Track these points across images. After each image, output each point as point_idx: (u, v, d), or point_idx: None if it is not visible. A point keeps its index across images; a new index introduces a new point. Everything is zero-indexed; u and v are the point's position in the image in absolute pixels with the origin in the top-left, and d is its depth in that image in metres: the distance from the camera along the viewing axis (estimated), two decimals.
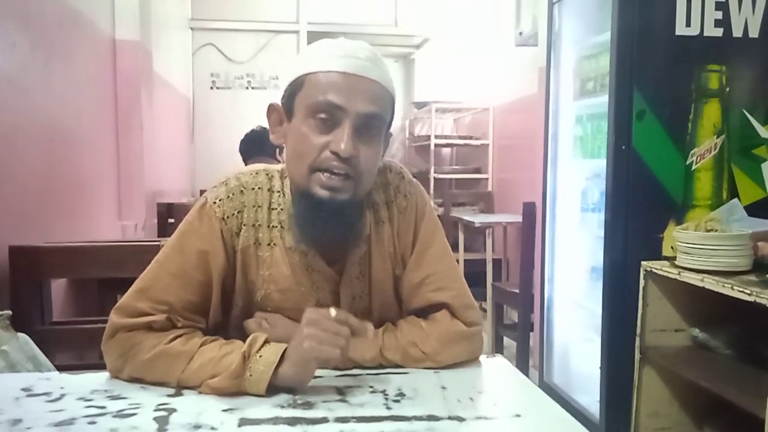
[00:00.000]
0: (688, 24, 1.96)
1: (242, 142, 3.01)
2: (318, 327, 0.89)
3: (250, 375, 0.90)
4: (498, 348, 3.20)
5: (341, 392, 0.93)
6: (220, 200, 1.02)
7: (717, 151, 1.99)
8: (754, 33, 1.98)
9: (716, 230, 1.84)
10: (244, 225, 1.03)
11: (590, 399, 2.23)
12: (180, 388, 0.93)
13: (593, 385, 2.15)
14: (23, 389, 0.94)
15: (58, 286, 2.13)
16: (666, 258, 1.96)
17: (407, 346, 1.03)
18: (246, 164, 2.88)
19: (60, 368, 1.33)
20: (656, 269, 1.88)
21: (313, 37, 5.44)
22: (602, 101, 2.10)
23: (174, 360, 0.93)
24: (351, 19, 5.53)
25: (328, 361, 0.90)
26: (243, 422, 0.83)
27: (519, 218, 2.83)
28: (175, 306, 0.98)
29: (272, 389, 0.90)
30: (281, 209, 1.04)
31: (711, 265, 1.72)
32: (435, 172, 4.94)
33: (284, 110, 1.02)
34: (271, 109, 1.05)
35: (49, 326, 1.75)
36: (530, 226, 2.68)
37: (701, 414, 1.95)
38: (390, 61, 5.84)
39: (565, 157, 2.54)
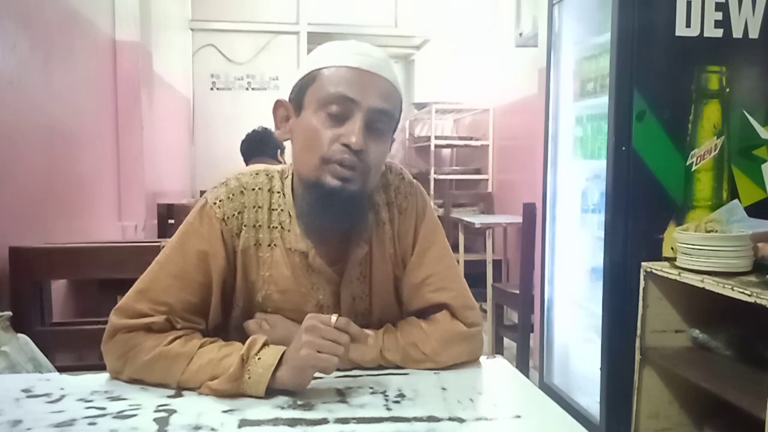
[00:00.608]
0: (688, 25, 1.96)
1: (243, 142, 3.01)
2: (316, 334, 0.88)
3: (249, 377, 0.89)
4: (498, 349, 3.20)
5: (341, 393, 0.93)
6: (220, 201, 1.02)
7: (717, 151, 1.99)
8: (754, 34, 1.98)
9: (716, 231, 1.83)
10: (245, 226, 1.03)
11: (590, 400, 2.23)
12: (180, 389, 0.93)
13: (593, 386, 2.15)
14: (23, 390, 0.94)
15: (58, 287, 2.13)
16: (666, 259, 1.96)
17: (407, 347, 1.03)
18: (247, 165, 2.88)
19: (60, 369, 1.33)
20: (656, 270, 1.88)
21: (313, 38, 5.45)
22: (602, 102, 2.10)
23: (173, 362, 0.93)
24: (351, 20, 5.54)
25: (326, 369, 0.89)
26: (243, 423, 0.83)
27: (519, 219, 2.84)
28: (175, 307, 0.98)
29: (271, 391, 0.90)
30: (281, 210, 1.04)
31: (711, 265, 1.72)
32: (435, 173, 4.94)
33: (293, 105, 1.02)
34: (278, 104, 1.05)
35: (50, 327, 1.74)
36: (530, 227, 2.68)
37: (701, 415, 1.94)
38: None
39: (565, 157, 2.54)
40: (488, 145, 4.80)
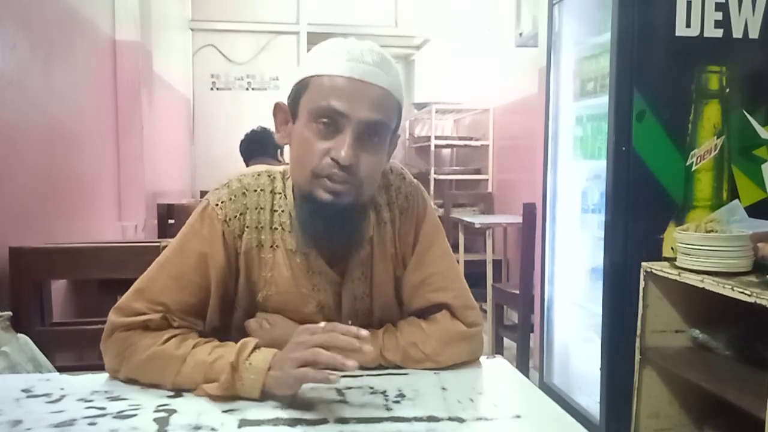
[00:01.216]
0: (688, 25, 1.96)
1: (243, 142, 3.00)
2: (302, 349, 0.86)
3: (242, 384, 0.89)
4: (498, 349, 3.20)
5: (341, 393, 0.93)
6: (222, 202, 1.02)
7: (717, 151, 1.99)
8: (754, 34, 1.98)
9: (716, 231, 1.83)
10: (247, 227, 1.02)
11: (590, 400, 2.23)
12: (177, 390, 0.93)
13: (593, 386, 2.15)
14: (23, 390, 0.94)
15: (58, 287, 2.13)
16: (666, 259, 1.96)
17: (407, 347, 1.03)
18: (247, 165, 2.88)
19: (60, 369, 1.33)
20: (656, 270, 1.88)
21: (313, 37, 5.44)
22: (602, 102, 2.10)
23: (167, 363, 0.93)
24: (351, 20, 5.53)
25: (315, 380, 0.85)
26: (243, 423, 0.83)
27: (519, 219, 2.84)
28: (171, 307, 0.97)
29: (267, 393, 0.90)
30: (283, 211, 1.04)
31: (711, 266, 1.72)
32: (435, 173, 4.94)
33: (290, 110, 1.01)
34: (278, 108, 1.04)
35: (50, 327, 1.74)
36: (530, 227, 2.68)
37: (701, 415, 1.94)
38: None
39: (565, 157, 2.54)
40: (488, 145, 4.80)
